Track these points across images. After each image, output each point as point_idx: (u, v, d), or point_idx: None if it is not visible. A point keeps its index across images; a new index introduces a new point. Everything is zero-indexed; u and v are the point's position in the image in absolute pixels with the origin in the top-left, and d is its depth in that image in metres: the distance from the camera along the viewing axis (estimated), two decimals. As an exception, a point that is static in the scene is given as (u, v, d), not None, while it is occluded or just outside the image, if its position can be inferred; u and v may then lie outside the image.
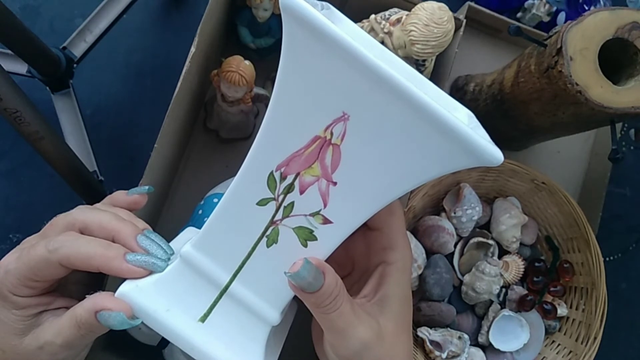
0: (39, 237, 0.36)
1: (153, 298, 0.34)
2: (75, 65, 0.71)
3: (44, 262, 0.33)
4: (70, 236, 0.34)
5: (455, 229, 0.65)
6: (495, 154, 0.28)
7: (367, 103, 0.28)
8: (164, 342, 0.55)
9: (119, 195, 0.40)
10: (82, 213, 0.36)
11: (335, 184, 0.31)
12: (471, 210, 0.64)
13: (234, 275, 0.35)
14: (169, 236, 0.43)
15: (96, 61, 0.74)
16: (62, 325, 0.34)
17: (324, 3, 0.33)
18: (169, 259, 0.35)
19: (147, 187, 0.40)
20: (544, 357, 0.66)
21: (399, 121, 0.28)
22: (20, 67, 0.69)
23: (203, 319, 0.35)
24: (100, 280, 0.43)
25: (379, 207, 0.32)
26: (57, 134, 0.57)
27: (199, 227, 0.35)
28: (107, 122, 0.74)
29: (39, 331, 0.34)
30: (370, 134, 0.29)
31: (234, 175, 0.33)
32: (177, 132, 0.57)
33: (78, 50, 0.72)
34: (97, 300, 0.33)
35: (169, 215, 0.64)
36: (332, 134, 0.30)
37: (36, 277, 0.34)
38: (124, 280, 0.35)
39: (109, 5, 0.72)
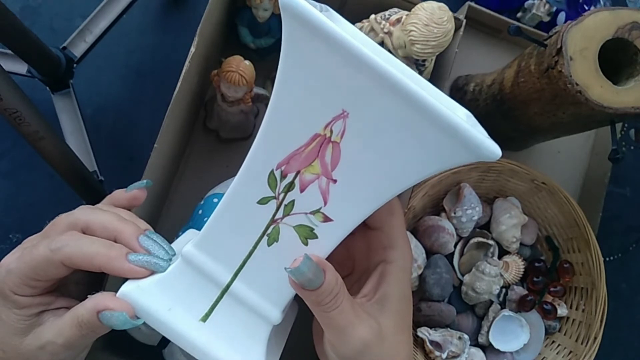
0: (41, 237, 0.36)
1: (154, 298, 0.34)
2: (75, 65, 0.72)
3: (46, 261, 0.33)
4: (73, 236, 0.34)
5: (455, 229, 0.65)
6: (492, 149, 0.28)
7: (365, 100, 0.28)
8: (164, 342, 0.55)
9: (119, 193, 0.40)
10: (84, 213, 0.36)
11: (335, 181, 0.31)
12: (471, 210, 0.64)
13: (235, 274, 0.35)
14: (169, 236, 0.43)
15: (96, 61, 0.75)
16: (63, 325, 0.34)
17: (322, 5, 0.33)
18: (170, 259, 0.35)
19: (145, 181, 0.40)
20: (544, 357, 0.66)
21: (398, 117, 0.28)
22: (20, 67, 0.69)
23: (204, 318, 0.35)
24: (101, 280, 0.43)
25: (379, 204, 0.32)
26: (57, 134, 0.57)
27: (199, 227, 0.36)
28: (107, 122, 0.74)
29: (40, 331, 0.34)
30: (369, 131, 0.29)
31: (234, 175, 0.33)
32: (177, 132, 0.57)
33: (78, 50, 0.72)
34: (99, 300, 0.33)
35: (169, 215, 0.64)
36: (331, 131, 0.30)
37: (38, 277, 0.34)
38: (125, 280, 0.35)
39: (109, 5, 0.72)
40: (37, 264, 0.33)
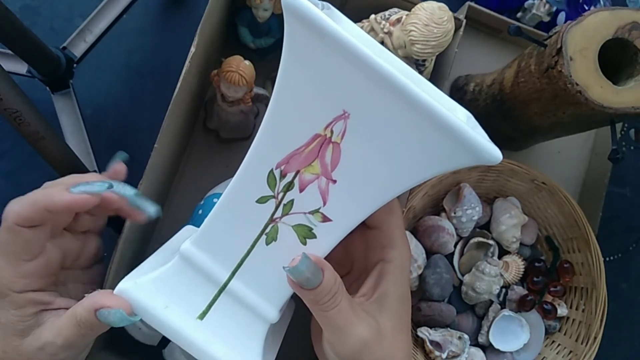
0: None
1: (151, 295, 0.34)
2: (75, 65, 0.71)
3: (7, 232, 0.34)
4: (18, 200, 0.35)
5: (455, 229, 0.65)
6: (493, 152, 0.28)
7: (367, 101, 0.28)
8: (164, 342, 0.55)
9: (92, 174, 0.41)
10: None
11: (334, 182, 0.31)
12: (471, 210, 0.64)
13: (233, 273, 0.35)
14: (168, 236, 0.43)
15: (96, 61, 0.74)
16: (62, 325, 0.34)
17: (324, 3, 0.33)
18: (111, 186, 0.36)
19: (122, 155, 0.41)
20: (544, 357, 0.66)
21: (399, 119, 0.28)
22: (20, 67, 0.69)
23: (202, 316, 0.35)
24: (101, 280, 0.43)
25: (378, 205, 0.32)
26: (57, 134, 0.57)
27: (199, 227, 0.36)
28: (107, 122, 0.74)
29: (39, 332, 0.34)
30: (370, 132, 0.29)
31: (234, 175, 0.33)
32: (177, 132, 0.57)
33: (78, 50, 0.72)
34: (96, 298, 0.33)
35: (169, 215, 0.64)
36: (332, 132, 0.30)
37: (19, 255, 0.35)
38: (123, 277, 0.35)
39: (109, 5, 0.72)
40: (5, 241, 0.34)
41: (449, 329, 0.64)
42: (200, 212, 0.54)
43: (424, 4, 0.53)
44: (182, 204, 0.64)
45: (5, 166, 0.72)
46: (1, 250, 0.35)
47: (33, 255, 0.35)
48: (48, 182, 0.38)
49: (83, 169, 0.62)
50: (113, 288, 0.35)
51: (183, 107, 0.56)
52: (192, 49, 0.53)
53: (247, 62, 0.56)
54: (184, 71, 0.52)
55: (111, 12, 0.72)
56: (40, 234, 0.35)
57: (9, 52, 0.68)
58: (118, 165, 0.40)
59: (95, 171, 0.69)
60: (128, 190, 0.36)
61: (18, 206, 0.34)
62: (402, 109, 0.28)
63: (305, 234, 0.33)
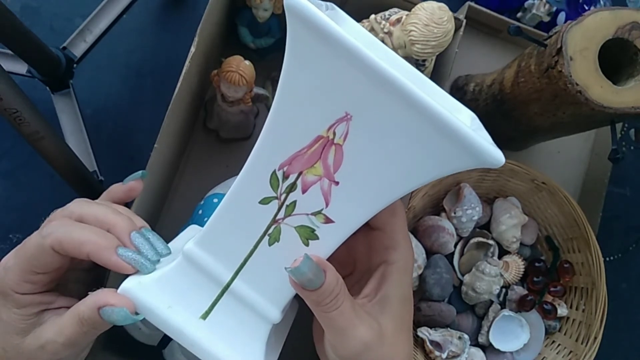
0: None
1: (155, 294, 0.34)
2: (75, 65, 0.71)
3: (38, 248, 0.33)
4: (64, 221, 0.34)
5: (455, 229, 0.65)
6: (496, 156, 0.28)
7: (369, 103, 0.28)
8: (164, 342, 0.55)
9: (116, 186, 0.40)
10: (78, 206, 0.36)
11: (337, 183, 0.31)
12: (471, 210, 0.64)
13: (236, 273, 0.35)
14: (168, 236, 0.43)
15: (96, 61, 0.74)
16: (64, 324, 0.34)
17: (328, 3, 0.33)
18: (158, 260, 0.35)
19: (140, 172, 0.40)
20: (544, 357, 0.66)
21: (401, 122, 0.28)
22: (20, 67, 0.69)
23: (204, 316, 0.35)
24: (102, 279, 0.43)
25: (381, 207, 0.32)
26: (57, 134, 0.57)
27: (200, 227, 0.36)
28: (107, 122, 0.74)
29: (41, 330, 0.34)
30: (372, 134, 0.29)
31: (234, 175, 0.33)
32: (177, 132, 0.57)
33: (78, 50, 0.72)
34: (99, 296, 0.33)
35: (169, 215, 0.64)
36: (334, 133, 0.30)
37: (34, 268, 0.34)
38: (125, 276, 0.35)
39: (109, 5, 0.72)
40: (31, 254, 0.33)
41: (449, 329, 0.64)
42: (200, 212, 0.54)
43: (424, 4, 0.53)
44: (182, 204, 0.64)
45: (5, 166, 0.72)
46: (20, 252, 0.34)
47: (47, 271, 0.35)
48: (79, 200, 0.37)
49: (83, 169, 0.62)
50: (114, 286, 0.35)
51: (183, 107, 0.56)
52: (192, 49, 0.53)
53: (247, 62, 0.56)
54: (184, 71, 0.52)
55: (111, 12, 0.72)
56: (66, 261, 0.35)
57: (9, 52, 0.68)
58: (136, 183, 0.40)
59: (95, 171, 0.69)
60: (145, 269, 0.35)
61: (64, 236, 0.33)
62: (404, 112, 0.28)
63: (308, 235, 0.33)
